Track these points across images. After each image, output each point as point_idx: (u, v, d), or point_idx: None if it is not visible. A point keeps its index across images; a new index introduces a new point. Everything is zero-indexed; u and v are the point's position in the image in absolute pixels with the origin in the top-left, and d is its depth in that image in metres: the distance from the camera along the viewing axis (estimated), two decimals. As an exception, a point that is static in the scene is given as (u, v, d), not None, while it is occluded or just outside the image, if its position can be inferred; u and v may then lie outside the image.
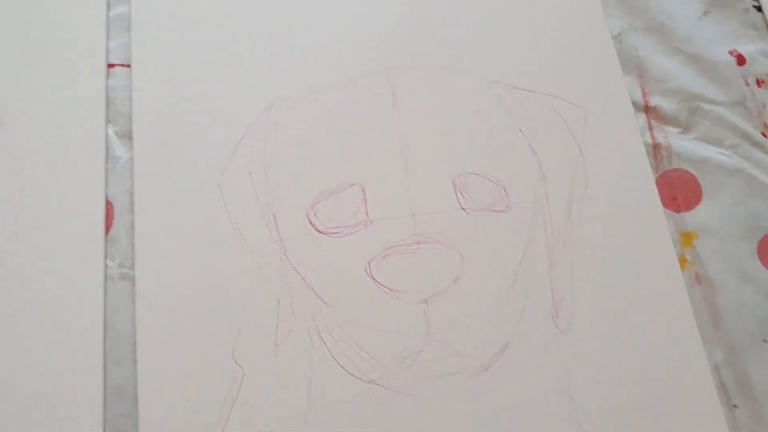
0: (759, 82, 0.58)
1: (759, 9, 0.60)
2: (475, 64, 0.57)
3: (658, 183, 0.54)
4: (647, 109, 0.57)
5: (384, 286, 0.50)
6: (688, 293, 0.51)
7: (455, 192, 0.52)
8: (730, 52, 0.59)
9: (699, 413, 0.47)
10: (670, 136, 0.56)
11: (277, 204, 0.52)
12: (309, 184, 0.52)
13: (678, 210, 0.54)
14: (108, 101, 0.56)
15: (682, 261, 0.52)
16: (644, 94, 0.58)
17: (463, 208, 0.52)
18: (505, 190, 0.53)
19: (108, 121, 0.55)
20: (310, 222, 0.51)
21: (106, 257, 0.51)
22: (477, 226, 0.52)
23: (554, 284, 0.50)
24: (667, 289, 0.51)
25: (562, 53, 0.58)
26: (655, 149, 0.56)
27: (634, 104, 0.57)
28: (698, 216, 0.54)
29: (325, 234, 0.51)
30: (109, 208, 0.52)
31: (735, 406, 0.48)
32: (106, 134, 0.54)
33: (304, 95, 0.56)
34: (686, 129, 0.57)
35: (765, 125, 0.56)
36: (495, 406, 0.47)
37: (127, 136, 0.54)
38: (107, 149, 0.54)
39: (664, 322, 0.50)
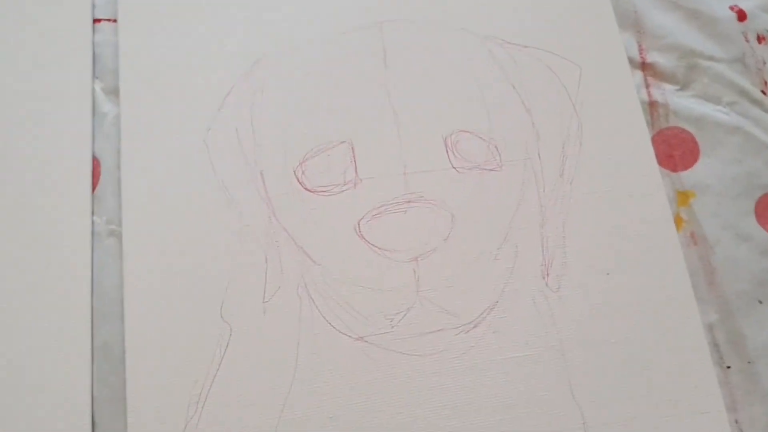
0: (759, 39, 0.57)
1: (762, -38, 0.59)
2: (468, 19, 0.56)
3: (654, 141, 0.53)
4: (644, 66, 0.56)
5: (373, 245, 0.49)
6: (683, 253, 0.50)
7: (447, 150, 0.52)
8: (731, 8, 0.57)
9: (692, 374, 0.47)
10: (667, 94, 0.55)
11: (264, 162, 0.51)
12: (297, 142, 0.52)
13: (674, 169, 0.53)
14: (94, 57, 0.55)
15: (678, 220, 0.51)
16: (641, 51, 0.56)
17: (454, 167, 0.51)
18: (497, 148, 0.52)
19: (95, 77, 0.54)
20: (299, 180, 0.51)
21: (93, 214, 0.50)
22: (468, 185, 0.51)
23: (545, 243, 0.50)
24: (661, 249, 0.50)
25: (557, 7, 0.57)
26: (652, 107, 0.55)
27: (631, 61, 0.56)
28: (695, 175, 0.53)
29: (313, 192, 0.50)
30: (95, 165, 0.52)
31: (728, 367, 0.48)
32: (93, 90, 0.54)
33: (293, 50, 0.55)
34: (684, 86, 0.56)
35: (764, 82, 0.55)
36: (483, 362, 0.47)
37: (114, 92, 0.54)
38: (94, 106, 0.53)
39: (657, 281, 0.49)
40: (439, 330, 0.47)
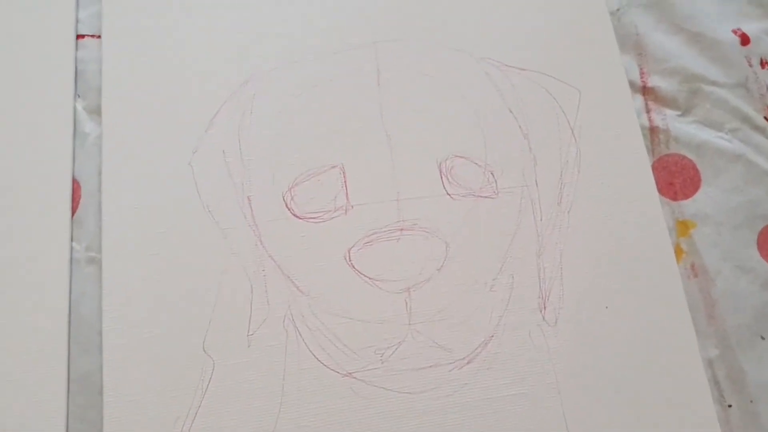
0: (763, 63, 0.55)
1: (766, -15, 0.57)
2: (465, 40, 0.54)
3: (654, 168, 0.52)
4: (645, 90, 0.55)
5: (364, 275, 0.47)
6: (683, 285, 0.48)
7: (441, 176, 0.50)
8: (734, 31, 0.56)
9: (691, 412, 0.45)
10: (668, 119, 0.54)
11: (252, 186, 0.49)
12: (287, 166, 0.50)
13: (675, 197, 0.51)
14: (77, 74, 0.53)
15: (678, 251, 0.50)
16: (642, 74, 0.55)
17: (448, 194, 0.50)
18: (492, 174, 0.50)
19: (77, 95, 0.52)
20: (287, 206, 0.49)
21: (72, 240, 0.48)
22: (463, 213, 0.49)
23: (542, 274, 0.48)
24: (661, 281, 0.48)
25: (556, 29, 0.55)
26: (653, 132, 0.53)
27: (631, 84, 0.54)
28: (696, 204, 0.51)
29: (302, 219, 0.49)
30: (75, 187, 0.50)
31: (729, 406, 0.46)
32: (75, 109, 0.52)
33: (283, 70, 0.53)
34: (685, 111, 0.54)
35: (767, 108, 0.54)
36: (477, 400, 0.45)
37: (96, 111, 0.52)
38: (75, 125, 0.51)
39: (657, 315, 0.47)
40: (431, 366, 0.46)
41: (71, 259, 0.48)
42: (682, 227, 0.51)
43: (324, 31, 0.54)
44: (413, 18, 0.55)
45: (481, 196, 0.50)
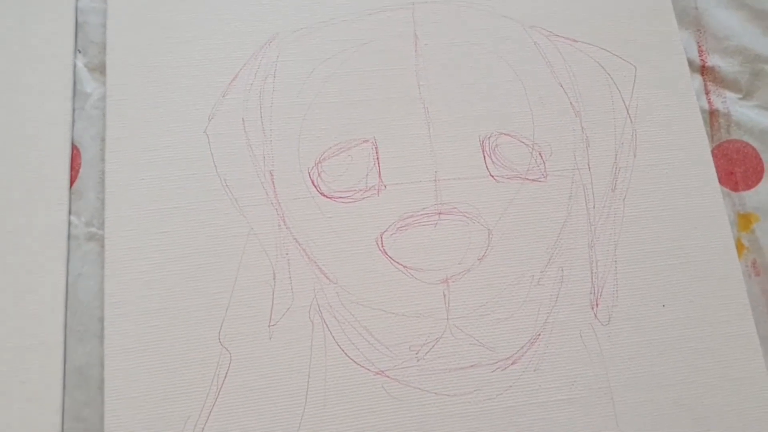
0: (833, 45, 0.51)
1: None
2: (512, 5, 0.49)
3: (713, 155, 0.47)
4: (704, 70, 0.50)
5: (398, 263, 0.42)
6: (744, 284, 0.44)
7: (483, 155, 0.45)
8: (803, 8, 0.51)
9: (754, 422, 0.41)
10: (728, 102, 0.49)
11: (275, 159, 0.44)
12: (313, 138, 0.45)
13: (735, 188, 0.47)
14: (77, 26, 0.47)
15: (739, 247, 0.45)
16: (701, 52, 0.50)
17: (492, 175, 0.45)
18: (541, 155, 0.45)
19: (77, 50, 0.46)
20: (314, 183, 0.44)
21: (70, 213, 0.43)
22: (508, 197, 0.44)
23: (594, 267, 0.43)
24: (721, 279, 0.44)
25: (612, 0, 0.50)
26: (712, 116, 0.49)
27: (689, 63, 0.49)
28: (758, 196, 0.47)
29: (330, 198, 0.43)
30: (75, 154, 0.44)
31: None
32: (74, 66, 0.46)
33: (311, 30, 0.47)
34: (747, 94, 0.49)
35: (837, 94, 0.49)
36: (522, 405, 0.40)
37: (99, 69, 0.46)
38: (75, 84, 0.45)
39: (716, 315, 0.43)
40: (471, 366, 0.41)
41: (69, 234, 0.42)
42: (744, 221, 0.46)
43: (356, -12, 0.49)
44: (454, -21, 0.50)
45: (528, 179, 0.45)
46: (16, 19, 0.46)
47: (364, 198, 0.44)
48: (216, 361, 0.40)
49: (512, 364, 0.41)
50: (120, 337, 0.40)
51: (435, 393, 0.40)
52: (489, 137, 0.45)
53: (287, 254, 0.42)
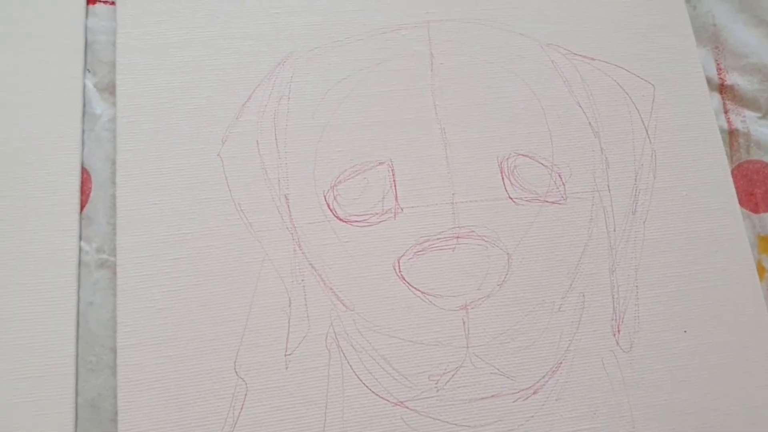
0: None
1: None
2: (528, 23, 0.48)
3: (733, 176, 0.47)
4: (722, 88, 0.49)
5: (416, 288, 0.41)
6: (767, 308, 0.43)
7: (502, 177, 0.44)
8: (823, 26, 0.51)
9: (778, 451, 0.41)
10: (748, 121, 0.48)
11: (290, 183, 0.43)
12: (329, 160, 0.44)
13: (756, 209, 0.46)
14: (86, 46, 0.46)
15: (760, 269, 0.45)
16: (719, 70, 0.49)
17: (510, 197, 0.44)
18: (560, 176, 0.45)
19: (86, 70, 0.45)
20: (329, 206, 0.43)
21: (80, 239, 0.42)
22: (527, 220, 0.44)
23: (616, 292, 0.43)
24: (743, 303, 0.43)
25: (629, 17, 0.49)
26: (731, 136, 0.48)
27: (708, 81, 0.49)
28: (779, 217, 0.46)
29: (346, 222, 0.43)
30: (85, 178, 0.43)
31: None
32: (84, 86, 0.45)
33: (325, 50, 0.46)
34: (767, 113, 0.49)
35: None
36: (543, 435, 0.40)
37: (108, 89, 0.45)
38: (84, 105, 0.44)
39: (739, 342, 0.42)
40: (492, 396, 0.40)
41: (79, 262, 0.41)
42: (764, 243, 0.46)
43: (370, 6, 0.48)
44: (470, -4, 0.49)
45: (547, 202, 0.44)
46: (24, 38, 0.45)
47: (380, 221, 0.43)
48: (232, 392, 0.39)
49: (533, 393, 0.40)
50: (133, 368, 0.39)
51: (455, 425, 0.40)
52: (507, 158, 0.45)
53: (303, 280, 0.41)
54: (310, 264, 0.42)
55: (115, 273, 0.41)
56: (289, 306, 0.41)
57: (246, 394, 0.39)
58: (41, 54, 0.44)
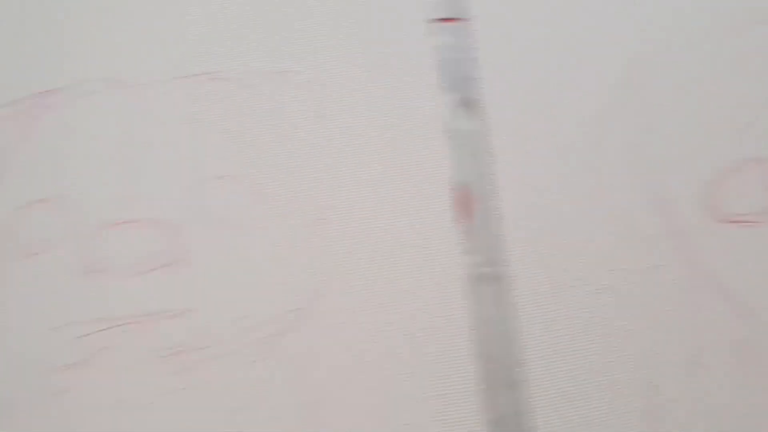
0: None
1: None
2: None
3: None
4: None
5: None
6: None
7: None
8: None
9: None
10: None
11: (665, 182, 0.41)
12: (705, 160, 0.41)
13: None
14: (440, 64, 0.45)
15: None
16: None
17: None
18: None
19: (443, 87, 0.44)
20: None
21: (465, 253, 0.40)
22: None
23: None
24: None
25: None
26: None
27: None
28: None
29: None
30: (463, 193, 0.42)
31: None
32: (442, 103, 0.44)
33: (657, 52, 0.44)
34: None
35: None
36: None
37: (465, 104, 0.44)
38: (444, 121, 0.44)
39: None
40: None
41: (466, 275, 0.40)
42: None
43: None
44: None
45: None
46: (379, 63, 0.45)
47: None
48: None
49: None
50: (543, 383, 0.37)
51: None
52: None
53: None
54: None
55: (502, 286, 0.39)
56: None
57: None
58: (397, 74, 0.44)
